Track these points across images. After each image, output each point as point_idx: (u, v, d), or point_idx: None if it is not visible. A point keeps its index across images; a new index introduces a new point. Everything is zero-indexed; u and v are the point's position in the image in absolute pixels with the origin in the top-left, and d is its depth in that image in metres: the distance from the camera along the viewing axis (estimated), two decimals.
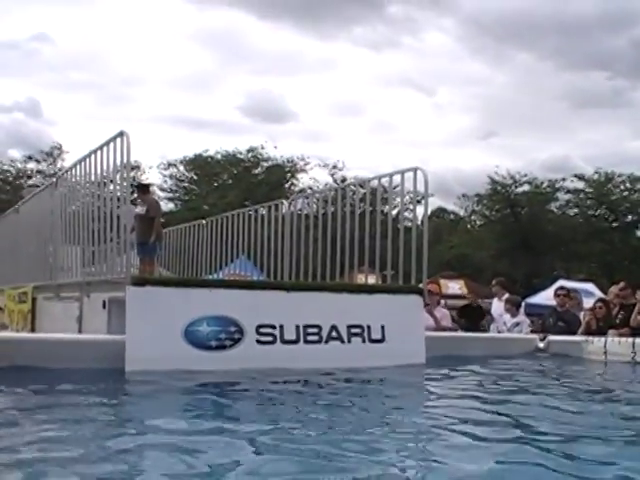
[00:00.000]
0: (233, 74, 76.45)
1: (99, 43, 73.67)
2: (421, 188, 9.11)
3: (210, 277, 13.41)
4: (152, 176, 51.70)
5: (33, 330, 10.37)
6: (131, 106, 72.39)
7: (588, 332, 10.63)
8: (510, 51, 76.73)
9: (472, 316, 14.23)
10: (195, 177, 55.13)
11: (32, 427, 4.27)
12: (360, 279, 10.08)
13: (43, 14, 74.34)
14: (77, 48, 72.82)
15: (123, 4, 74.94)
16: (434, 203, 54.41)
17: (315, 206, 12.03)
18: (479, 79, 73.34)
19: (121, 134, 7.60)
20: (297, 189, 50.48)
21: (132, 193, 13.28)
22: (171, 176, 54.91)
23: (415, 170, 9.07)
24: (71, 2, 76.91)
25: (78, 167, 9.38)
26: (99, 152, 8.35)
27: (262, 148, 53.06)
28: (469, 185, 65.30)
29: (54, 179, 10.90)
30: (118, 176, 8.22)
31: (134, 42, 75.96)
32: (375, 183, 10.49)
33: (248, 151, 53.61)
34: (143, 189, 14.41)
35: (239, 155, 53.89)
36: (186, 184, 55.31)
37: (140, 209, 13.41)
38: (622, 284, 11.95)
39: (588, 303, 15.04)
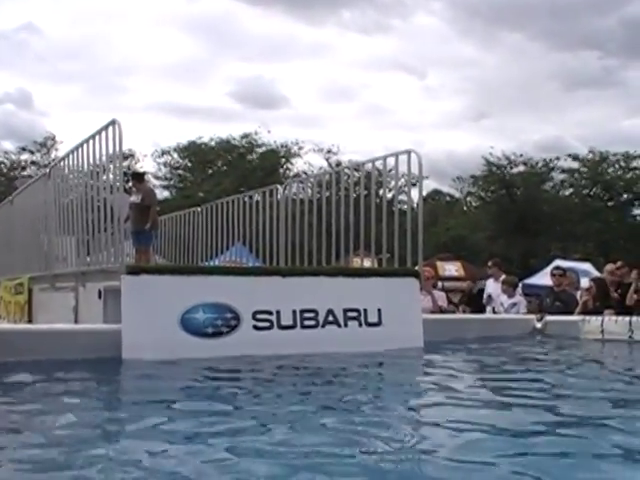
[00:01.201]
0: (223, 61, 76.52)
1: (88, 33, 73.55)
2: (415, 171, 9.09)
3: (206, 264, 13.40)
4: (146, 164, 51.78)
5: (30, 321, 10.37)
6: (122, 95, 72.47)
7: (585, 312, 10.63)
8: (500, 32, 76.64)
9: (477, 303, 14.24)
10: (189, 164, 55.04)
11: (28, 418, 4.26)
12: (356, 263, 10.08)
13: (30, 4, 74.18)
14: (66, 38, 72.65)
15: None
16: (429, 186, 54.52)
17: (310, 191, 11.99)
18: (470, 61, 73.38)
19: (113, 123, 7.58)
20: (292, 174, 50.48)
21: (127, 182, 13.24)
22: (165, 164, 54.87)
23: (409, 153, 9.06)
24: None
25: (71, 157, 9.35)
26: (91, 141, 8.33)
27: (256, 134, 53.01)
28: (462, 167, 65.36)
29: (47, 170, 10.86)
30: (111, 165, 8.20)
31: (124, 31, 76.06)
32: (369, 167, 10.49)
33: (242, 137, 53.53)
34: (138, 178, 14.34)
35: (233, 141, 53.80)
36: (180, 172, 55.24)
37: (135, 197, 13.33)
38: (619, 263, 11.98)
39: (585, 283, 15.10)
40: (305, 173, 47.98)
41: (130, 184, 13.69)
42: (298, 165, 53.23)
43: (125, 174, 12.35)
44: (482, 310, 13.42)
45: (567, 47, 74.76)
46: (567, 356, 8.08)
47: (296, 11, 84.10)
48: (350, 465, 3.17)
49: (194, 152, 53.97)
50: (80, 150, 8.81)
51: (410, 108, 77.54)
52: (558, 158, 51.37)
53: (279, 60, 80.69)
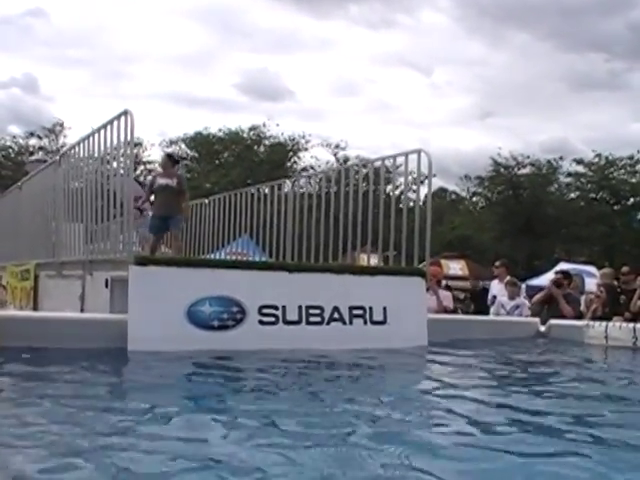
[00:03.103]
0: (230, 52, 76.25)
1: (95, 19, 73.18)
2: (424, 170, 9.10)
3: (211, 256, 13.42)
4: (154, 153, 51.77)
5: (35, 308, 10.38)
6: (128, 83, 72.25)
7: (594, 318, 10.59)
8: (508, 31, 76.35)
9: (481, 300, 14.22)
10: (196, 155, 55.02)
11: (32, 407, 4.28)
12: (362, 259, 10.09)
13: None
14: (73, 24, 72.50)
15: None
16: (435, 183, 54.36)
17: (318, 186, 12.00)
18: (476, 59, 72.96)
19: (125, 113, 7.60)
20: (299, 168, 50.45)
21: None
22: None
23: (419, 152, 9.07)
24: None
25: (82, 145, 9.37)
26: (103, 130, 8.35)
27: (264, 126, 52.95)
28: (467, 165, 65.36)
29: (57, 157, 10.87)
30: (122, 153, 8.23)
31: (131, 19, 75.58)
32: (378, 164, 10.49)
33: (250, 129, 53.47)
34: (173, 160, 13.19)
35: (241, 133, 53.74)
36: (187, 162, 55.23)
37: (169, 181, 12.15)
38: (625, 269, 11.94)
39: (590, 284, 15.10)
40: (312, 167, 47.98)
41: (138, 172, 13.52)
42: (305, 159, 53.19)
43: (166, 156, 11.70)
44: (486, 309, 13.45)
45: (574, 48, 74.55)
46: (569, 360, 8.08)
47: (303, 4, 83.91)
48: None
49: (201, 143, 53.92)
50: (92, 139, 8.83)
51: (416, 105, 77.42)
52: (562, 158, 51.25)
53: (285, 53, 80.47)
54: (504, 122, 74.32)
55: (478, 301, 14.38)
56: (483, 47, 75.95)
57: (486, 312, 13.27)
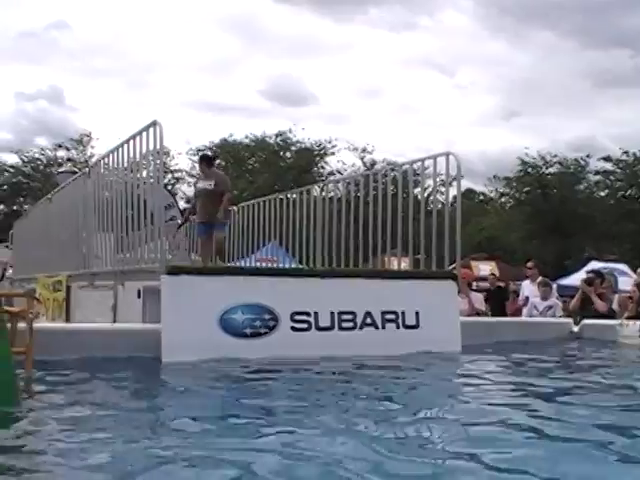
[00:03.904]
0: (252, 58, 76.15)
1: (118, 29, 73.68)
2: (452, 172, 9.09)
3: (241, 263, 13.44)
4: (181, 162, 52.06)
5: (68, 319, 10.45)
6: (152, 91, 72.56)
7: (629, 317, 10.48)
8: (530, 30, 75.57)
9: (496, 299, 14.17)
10: (222, 162, 55.18)
11: (70, 415, 4.31)
12: (392, 263, 10.06)
13: (58, 1, 74.45)
14: (96, 34, 72.75)
15: None
16: (463, 185, 53.98)
17: (347, 190, 11.99)
18: (500, 59, 72.54)
19: (154, 123, 7.66)
20: (326, 172, 50.43)
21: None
22: None
23: (447, 155, 9.06)
24: None
25: (111, 156, 9.44)
26: (132, 141, 8.42)
27: (290, 132, 52.99)
28: (493, 166, 65.06)
29: (87, 168, 10.95)
30: (152, 163, 8.29)
31: (153, 28, 75.97)
32: (407, 167, 10.46)
33: (276, 135, 53.54)
34: (208, 161, 12.32)
35: (267, 139, 53.83)
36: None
37: (206, 183, 11.50)
38: None
39: (623, 283, 14.97)
40: (339, 172, 47.96)
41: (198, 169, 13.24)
42: (332, 163, 53.15)
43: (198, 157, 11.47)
44: (502, 307, 13.41)
45: (598, 45, 73.90)
46: (605, 360, 8.01)
47: (322, 9, 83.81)
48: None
49: (227, 150, 54.07)
50: (121, 149, 8.90)
51: (440, 106, 76.95)
52: (590, 156, 50.83)
53: (307, 57, 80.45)
54: (529, 121, 73.86)
55: (496, 299, 14.22)
56: (506, 46, 75.58)
57: (502, 311, 13.24)
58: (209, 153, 15.28)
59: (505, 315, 13.04)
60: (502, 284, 16.28)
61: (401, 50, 75.78)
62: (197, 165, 50.15)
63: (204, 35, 74.77)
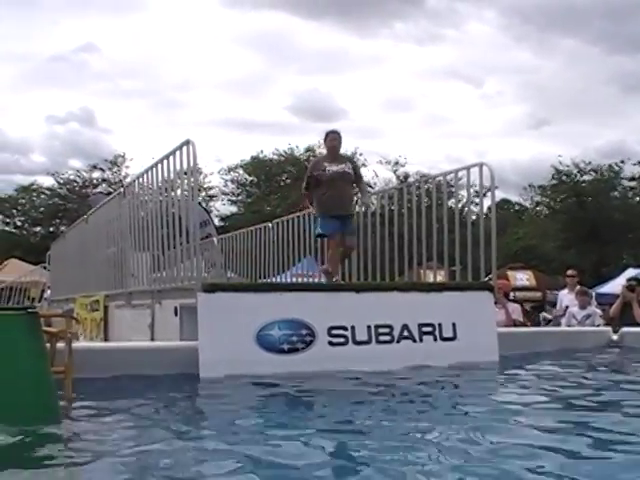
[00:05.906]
0: (279, 75, 76.72)
1: (147, 51, 74.57)
2: (487, 183, 9.06)
3: (277, 279, 13.47)
4: (214, 180, 52.41)
5: (106, 338, 10.53)
6: (182, 111, 73.28)
7: None
8: (555, 38, 75.12)
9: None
10: (254, 179, 55.41)
11: (110, 435, 4.33)
12: (428, 275, 10.04)
13: (87, 25, 75.35)
14: (125, 56, 73.95)
15: (166, 11, 75.07)
16: (497, 195, 53.77)
17: (381, 203, 11.96)
18: (526, 68, 72.25)
19: (187, 142, 7.71)
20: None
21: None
22: (232, 180, 55.29)
23: (481, 165, 9.06)
24: (114, 11, 77.82)
25: (146, 176, 9.53)
26: (166, 160, 8.49)
27: (319, 147, 53.08)
28: (524, 175, 64.60)
29: (122, 188, 11.05)
30: (185, 182, 8.35)
31: (182, 47, 76.86)
32: (441, 179, 10.44)
33: (306, 150, 53.67)
34: (340, 140, 10.08)
35: (298, 155, 54.00)
36: (248, 187, 55.62)
37: (343, 166, 9.76)
38: None
39: None
40: (370, 185, 47.95)
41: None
42: (364, 176, 53.12)
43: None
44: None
45: (623, 50, 73.21)
46: None
47: (348, 24, 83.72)
48: None
49: (258, 167, 54.31)
50: (155, 168, 8.98)
51: (469, 117, 76.78)
52: (623, 162, 50.36)
53: (334, 73, 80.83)
54: (558, 129, 73.54)
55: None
56: (531, 55, 75.35)
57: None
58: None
59: None
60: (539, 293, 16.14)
61: (428, 62, 75.99)
62: (229, 184, 49.92)
63: (231, 53, 75.57)
